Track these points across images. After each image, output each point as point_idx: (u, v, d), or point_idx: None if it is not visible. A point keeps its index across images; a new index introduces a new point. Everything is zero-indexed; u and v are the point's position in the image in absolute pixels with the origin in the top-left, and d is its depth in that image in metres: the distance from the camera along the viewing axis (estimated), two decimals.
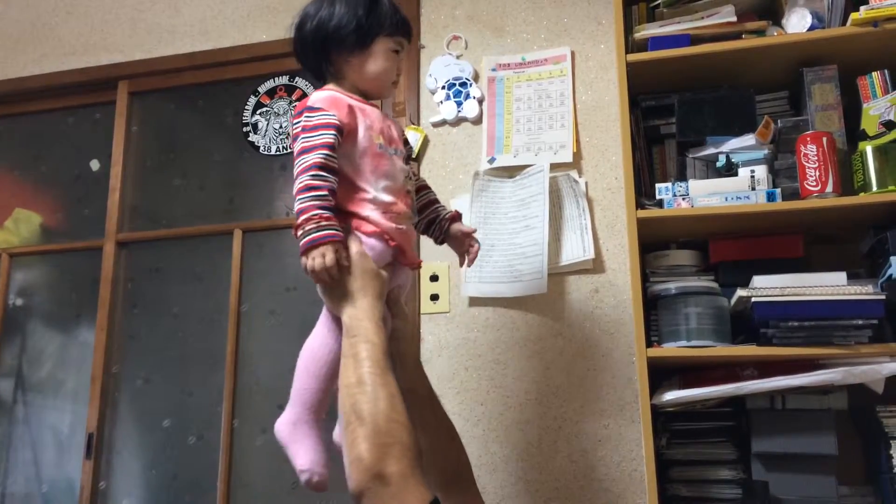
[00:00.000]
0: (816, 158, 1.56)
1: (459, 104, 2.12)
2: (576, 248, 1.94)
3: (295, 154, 1.35)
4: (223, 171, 2.41)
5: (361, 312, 1.29)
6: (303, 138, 1.34)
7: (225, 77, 2.43)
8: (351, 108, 1.39)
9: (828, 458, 1.55)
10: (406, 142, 1.56)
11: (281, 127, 2.35)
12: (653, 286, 1.70)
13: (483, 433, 1.92)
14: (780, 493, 1.53)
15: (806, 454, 1.56)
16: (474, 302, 2.01)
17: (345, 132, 1.36)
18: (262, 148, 2.36)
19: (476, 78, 2.14)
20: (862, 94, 1.66)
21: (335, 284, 1.32)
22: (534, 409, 1.91)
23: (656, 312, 1.69)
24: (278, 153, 2.34)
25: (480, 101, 2.11)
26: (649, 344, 1.60)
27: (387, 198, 1.39)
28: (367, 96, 1.48)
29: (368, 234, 1.36)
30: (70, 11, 2.61)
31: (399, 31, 1.47)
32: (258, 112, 2.39)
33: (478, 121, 2.11)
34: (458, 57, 2.16)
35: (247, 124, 2.39)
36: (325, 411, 1.37)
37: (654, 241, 1.77)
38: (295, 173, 1.33)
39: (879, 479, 1.58)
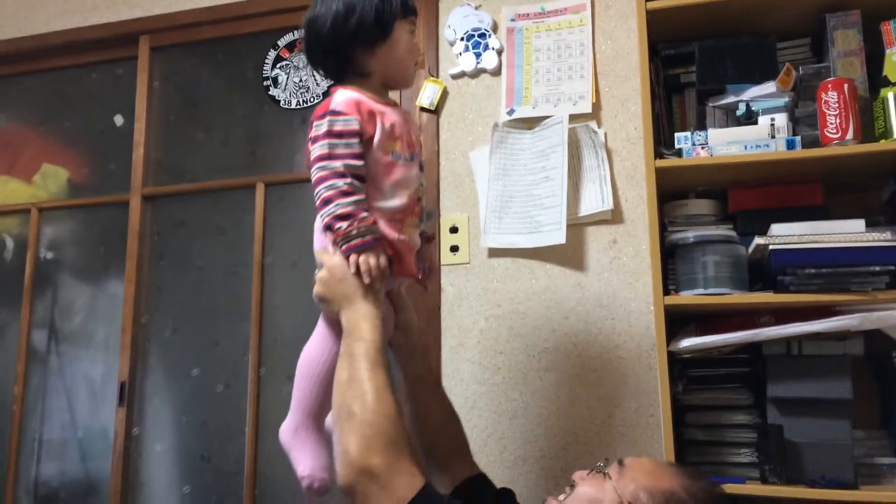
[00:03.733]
0: (837, 105, 1.55)
1: (478, 56, 2.12)
2: (595, 199, 1.95)
3: (317, 157, 1.31)
4: (245, 126, 2.43)
5: (359, 314, 1.30)
6: (329, 143, 1.30)
7: (245, 31, 2.43)
8: (371, 114, 1.35)
9: (843, 403, 1.57)
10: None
11: (301, 81, 2.36)
12: (671, 235, 1.71)
13: (503, 380, 1.96)
14: (794, 436, 1.56)
15: (821, 399, 1.58)
16: (494, 253, 2.03)
17: (363, 139, 1.34)
18: (282, 102, 2.37)
19: (495, 29, 2.13)
20: (885, 39, 1.63)
21: (375, 284, 1.32)
22: (552, 357, 1.94)
23: (674, 262, 1.70)
24: (298, 107, 2.35)
25: (499, 53, 2.11)
26: (667, 292, 1.62)
27: (392, 207, 1.37)
28: (393, 86, 1.46)
29: None
30: None
31: (410, 10, 1.43)
32: (278, 66, 2.40)
33: (497, 72, 2.11)
34: (476, 8, 2.15)
35: (267, 78, 2.41)
36: (325, 415, 1.40)
37: (673, 191, 1.78)
38: (320, 175, 1.30)
39: (894, 423, 1.60)
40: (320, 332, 1.42)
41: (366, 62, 1.40)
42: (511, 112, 2.06)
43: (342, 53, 1.39)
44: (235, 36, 2.45)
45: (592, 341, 1.92)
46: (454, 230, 2.07)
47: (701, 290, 1.61)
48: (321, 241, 1.39)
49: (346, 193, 1.29)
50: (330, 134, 1.31)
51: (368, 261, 1.29)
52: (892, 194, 1.64)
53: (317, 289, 1.37)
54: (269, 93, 2.39)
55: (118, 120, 2.57)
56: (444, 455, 1.50)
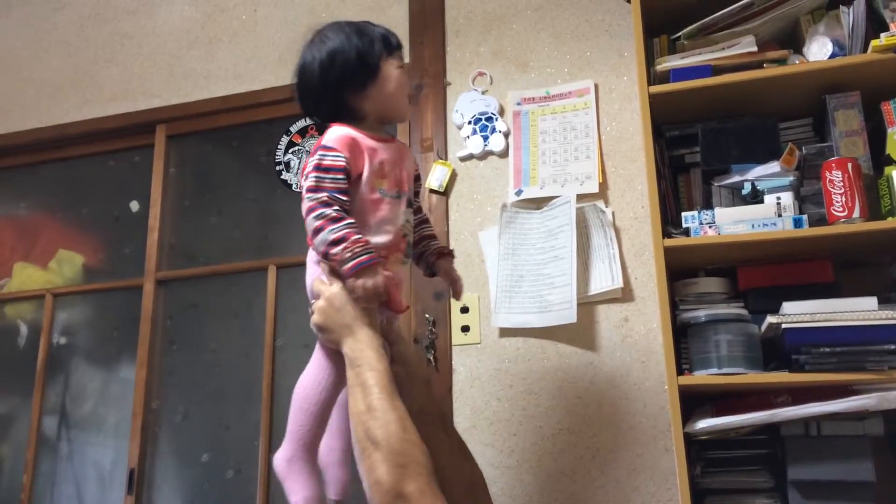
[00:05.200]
0: (842, 184, 1.57)
1: (486, 138, 2.16)
2: (604, 278, 1.96)
3: (306, 188, 1.36)
4: (257, 209, 2.48)
5: (362, 343, 1.32)
6: (316, 177, 1.35)
7: (258, 118, 2.50)
8: (362, 152, 1.39)
9: (865, 485, 1.52)
10: (417, 178, 1.58)
11: None
12: (682, 314, 1.71)
13: (516, 463, 1.93)
14: None
15: (843, 481, 1.54)
16: (505, 333, 2.02)
17: (351, 176, 1.38)
18: (294, 186, 2.42)
19: (501, 112, 2.18)
20: (886, 119, 1.66)
21: (373, 304, 1.36)
22: (566, 438, 1.91)
23: (686, 340, 1.69)
24: None
25: (506, 135, 2.15)
26: (680, 372, 1.61)
27: (377, 244, 1.38)
28: (389, 122, 1.51)
29: None
30: (110, 59, 2.72)
31: (394, 46, 1.47)
32: (290, 151, 2.46)
33: (504, 154, 2.15)
34: (483, 92, 2.21)
35: (279, 163, 2.46)
36: (318, 445, 1.43)
37: (682, 269, 1.78)
38: (308, 206, 1.35)
39: None
40: (316, 361, 1.43)
41: (358, 104, 1.44)
42: (519, 193, 2.09)
43: (333, 99, 1.44)
44: (249, 123, 2.52)
45: (607, 422, 1.89)
46: (465, 310, 2.07)
47: (715, 370, 1.59)
48: (314, 273, 1.43)
49: (335, 220, 1.33)
50: (318, 167, 1.36)
51: (365, 285, 1.31)
52: None
53: (315, 318, 1.39)
54: (282, 177, 2.44)
55: (134, 206, 2.62)
56: (455, 494, 1.40)
